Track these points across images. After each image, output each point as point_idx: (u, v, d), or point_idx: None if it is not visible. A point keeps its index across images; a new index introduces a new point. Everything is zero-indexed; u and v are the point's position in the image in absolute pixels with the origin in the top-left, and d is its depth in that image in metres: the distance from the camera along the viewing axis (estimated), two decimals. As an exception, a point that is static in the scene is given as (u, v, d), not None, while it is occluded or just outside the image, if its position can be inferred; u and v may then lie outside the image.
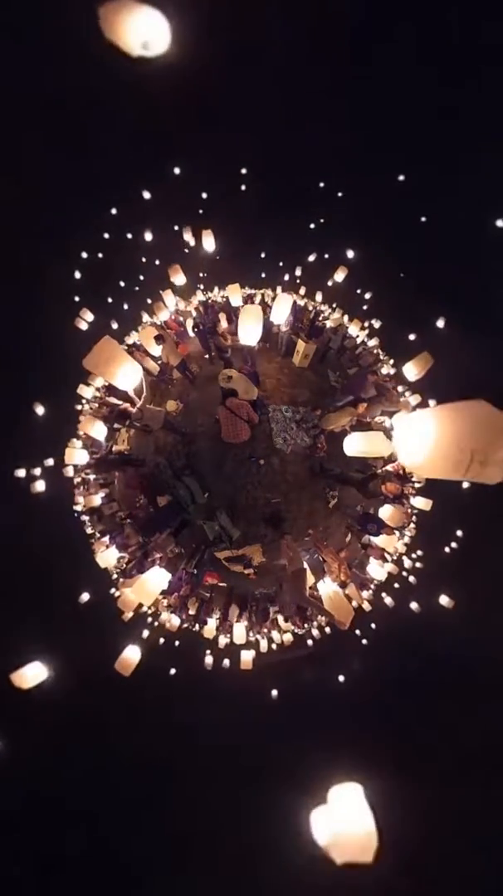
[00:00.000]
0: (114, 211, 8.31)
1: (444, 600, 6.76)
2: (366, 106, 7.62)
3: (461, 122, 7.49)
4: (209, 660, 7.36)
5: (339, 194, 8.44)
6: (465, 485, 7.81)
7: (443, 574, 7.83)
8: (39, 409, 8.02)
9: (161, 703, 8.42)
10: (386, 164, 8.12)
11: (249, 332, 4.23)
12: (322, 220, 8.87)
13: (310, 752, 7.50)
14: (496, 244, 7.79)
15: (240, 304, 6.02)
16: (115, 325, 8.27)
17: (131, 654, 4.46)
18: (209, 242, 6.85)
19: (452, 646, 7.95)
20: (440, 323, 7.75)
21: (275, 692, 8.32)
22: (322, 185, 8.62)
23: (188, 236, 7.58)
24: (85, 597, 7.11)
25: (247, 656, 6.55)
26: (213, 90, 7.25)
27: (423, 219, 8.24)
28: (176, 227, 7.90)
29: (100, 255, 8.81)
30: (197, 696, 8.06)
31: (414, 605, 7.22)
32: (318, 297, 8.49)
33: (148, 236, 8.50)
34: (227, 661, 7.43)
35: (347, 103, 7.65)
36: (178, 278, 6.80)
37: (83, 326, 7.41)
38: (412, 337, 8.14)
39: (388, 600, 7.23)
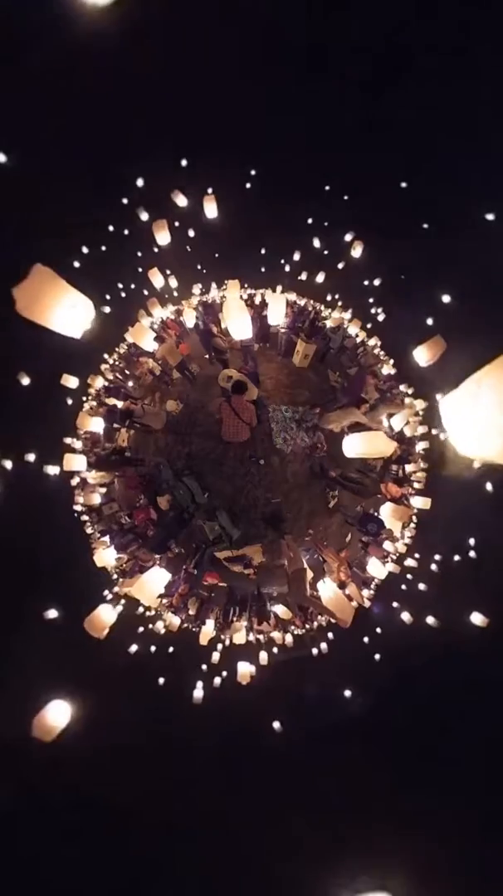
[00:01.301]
0: (125, 201, 8.11)
1: (478, 619, 5.91)
2: (369, 107, 7.66)
3: (461, 121, 7.53)
4: (198, 693, 6.74)
5: (345, 197, 8.40)
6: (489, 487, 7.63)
7: (461, 586, 7.36)
8: (25, 380, 7.46)
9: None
10: (389, 167, 8.13)
11: (238, 326, 4.07)
12: (326, 224, 8.81)
13: (320, 820, 6.89)
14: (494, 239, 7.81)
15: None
16: (107, 309, 8.12)
17: (54, 715, 3.22)
18: (211, 209, 6.57)
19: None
20: (446, 298, 7.65)
21: (277, 724, 7.39)
22: (328, 188, 8.56)
23: (181, 201, 7.35)
24: (52, 613, 6.53)
25: (244, 668, 6.01)
26: (218, 87, 7.25)
27: (425, 225, 8.25)
28: (177, 223, 7.83)
29: (103, 248, 8.67)
30: (188, 715, 7.13)
31: (430, 620, 6.57)
32: (320, 278, 8.41)
33: (144, 216, 8.24)
34: (219, 679, 6.91)
35: (352, 104, 7.68)
36: (163, 236, 6.31)
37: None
38: (420, 324, 7.95)
39: (406, 616, 6.70)
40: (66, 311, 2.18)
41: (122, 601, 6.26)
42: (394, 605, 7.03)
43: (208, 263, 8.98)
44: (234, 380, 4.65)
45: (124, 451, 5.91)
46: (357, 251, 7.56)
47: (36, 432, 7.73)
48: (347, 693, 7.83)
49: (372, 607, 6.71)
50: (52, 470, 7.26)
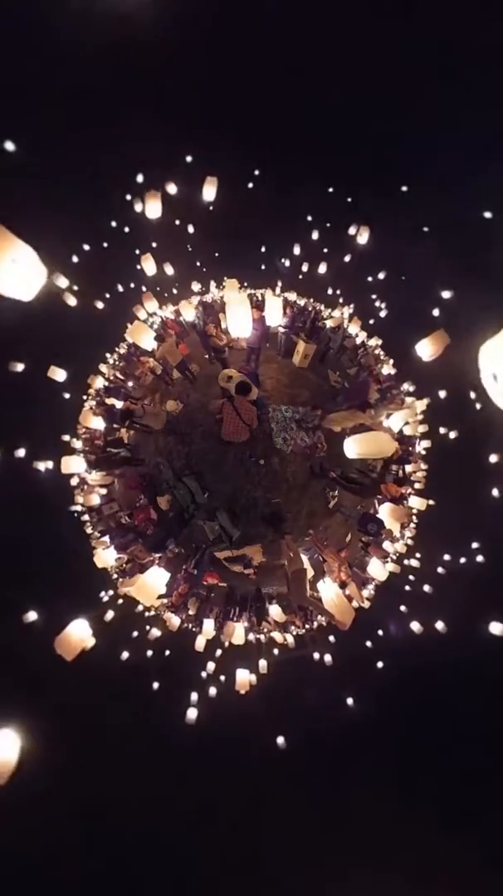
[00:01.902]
0: (128, 197, 7.94)
1: (497, 628, 5.52)
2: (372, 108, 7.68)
3: (462, 123, 7.56)
4: (192, 713, 6.20)
5: (349, 199, 8.40)
6: (495, 492, 7.50)
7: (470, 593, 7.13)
8: (19, 367, 6.99)
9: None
10: (390, 167, 8.14)
11: (239, 323, 3.93)
12: (329, 224, 8.78)
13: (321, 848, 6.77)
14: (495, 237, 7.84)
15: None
16: (100, 305, 8.05)
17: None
18: (210, 191, 6.35)
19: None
20: (447, 294, 7.63)
21: (281, 740, 6.85)
22: (331, 190, 8.56)
23: (172, 189, 7.20)
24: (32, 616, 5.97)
25: (243, 676, 5.68)
26: (229, 85, 7.24)
27: (426, 229, 8.27)
28: (178, 222, 7.78)
29: (105, 245, 8.60)
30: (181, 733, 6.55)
31: (440, 625, 6.30)
32: (322, 268, 8.36)
33: (138, 206, 8.01)
34: (215, 690, 6.61)
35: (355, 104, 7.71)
36: (154, 207, 6.01)
37: (72, 302, 6.77)
38: (423, 318, 7.85)
39: (416, 626, 6.38)
40: (11, 267, 1.84)
41: (108, 612, 6.05)
42: (403, 608, 6.86)
43: (208, 262, 8.96)
44: (238, 381, 4.60)
45: (126, 444, 5.87)
46: (363, 237, 7.35)
47: (26, 425, 7.62)
48: (349, 700, 7.52)
49: (389, 627, 6.56)
50: (43, 465, 7.11)
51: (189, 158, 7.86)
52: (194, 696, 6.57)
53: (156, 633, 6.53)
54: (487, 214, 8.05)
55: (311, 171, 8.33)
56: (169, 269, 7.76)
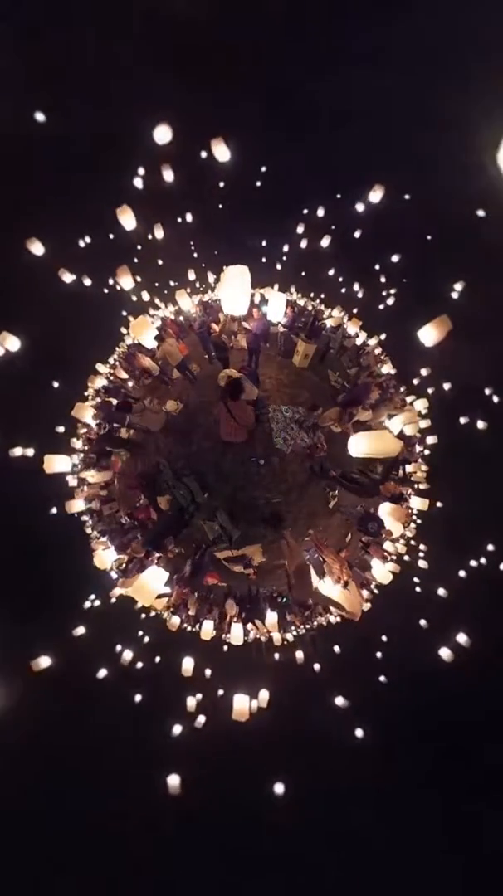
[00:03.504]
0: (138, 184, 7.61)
1: None
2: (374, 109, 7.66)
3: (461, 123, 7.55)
4: (174, 780, 5.14)
5: (356, 205, 8.38)
6: None
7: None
8: None
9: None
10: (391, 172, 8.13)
11: (234, 299, 3.51)
12: (333, 227, 8.73)
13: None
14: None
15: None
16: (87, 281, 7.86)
17: None
18: (223, 152, 5.89)
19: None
20: (458, 286, 7.53)
21: (280, 788, 6.07)
22: (338, 196, 8.50)
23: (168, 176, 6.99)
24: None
25: (241, 703, 4.89)
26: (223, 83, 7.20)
27: (429, 237, 8.27)
28: (178, 220, 7.69)
29: (111, 236, 8.50)
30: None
31: (462, 638, 5.83)
32: (325, 242, 8.35)
33: (139, 183, 7.62)
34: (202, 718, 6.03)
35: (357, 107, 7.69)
36: (164, 132, 5.31)
37: (68, 279, 6.56)
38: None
39: (444, 652, 5.83)
40: None
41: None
42: (423, 622, 6.58)
43: (208, 260, 8.91)
44: (227, 382, 4.46)
45: (125, 443, 5.84)
46: (377, 195, 6.77)
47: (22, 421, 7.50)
48: (359, 733, 6.66)
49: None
50: (20, 450, 6.76)
51: (203, 154, 7.66)
52: (177, 729, 6.05)
53: (128, 655, 6.24)
54: (480, 213, 8.07)
55: (315, 172, 8.30)
56: (168, 268, 7.70)
